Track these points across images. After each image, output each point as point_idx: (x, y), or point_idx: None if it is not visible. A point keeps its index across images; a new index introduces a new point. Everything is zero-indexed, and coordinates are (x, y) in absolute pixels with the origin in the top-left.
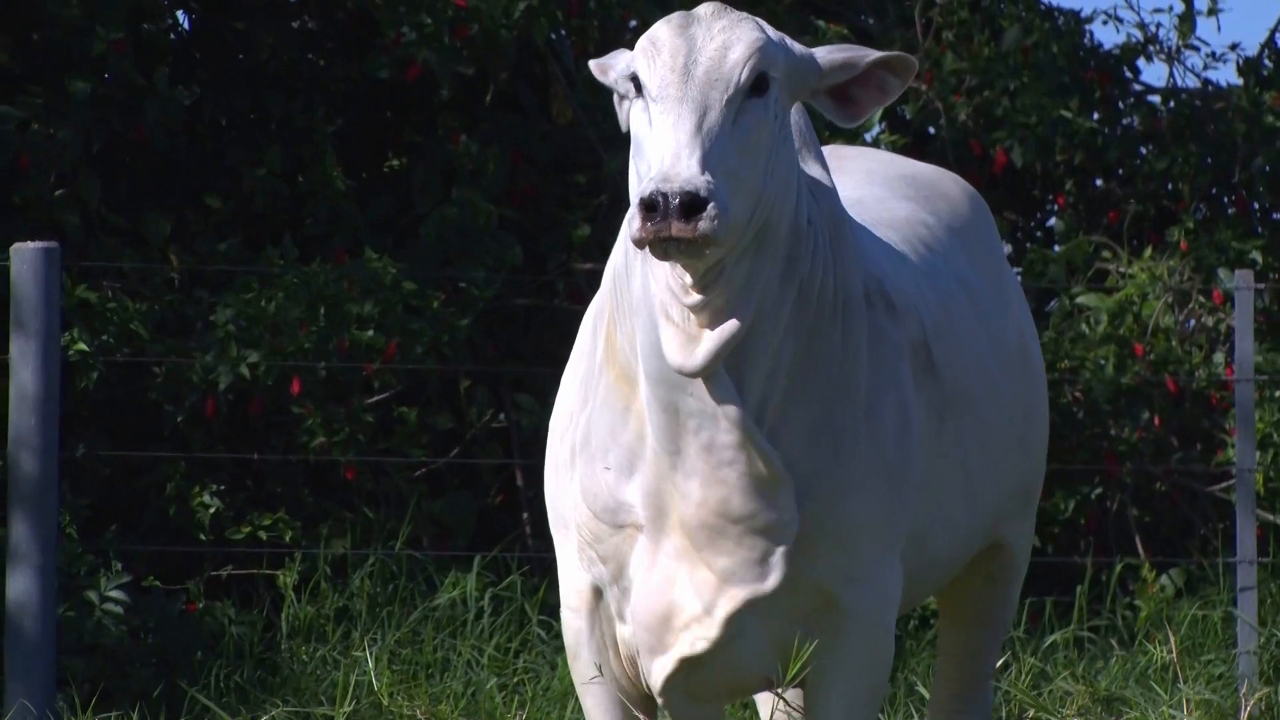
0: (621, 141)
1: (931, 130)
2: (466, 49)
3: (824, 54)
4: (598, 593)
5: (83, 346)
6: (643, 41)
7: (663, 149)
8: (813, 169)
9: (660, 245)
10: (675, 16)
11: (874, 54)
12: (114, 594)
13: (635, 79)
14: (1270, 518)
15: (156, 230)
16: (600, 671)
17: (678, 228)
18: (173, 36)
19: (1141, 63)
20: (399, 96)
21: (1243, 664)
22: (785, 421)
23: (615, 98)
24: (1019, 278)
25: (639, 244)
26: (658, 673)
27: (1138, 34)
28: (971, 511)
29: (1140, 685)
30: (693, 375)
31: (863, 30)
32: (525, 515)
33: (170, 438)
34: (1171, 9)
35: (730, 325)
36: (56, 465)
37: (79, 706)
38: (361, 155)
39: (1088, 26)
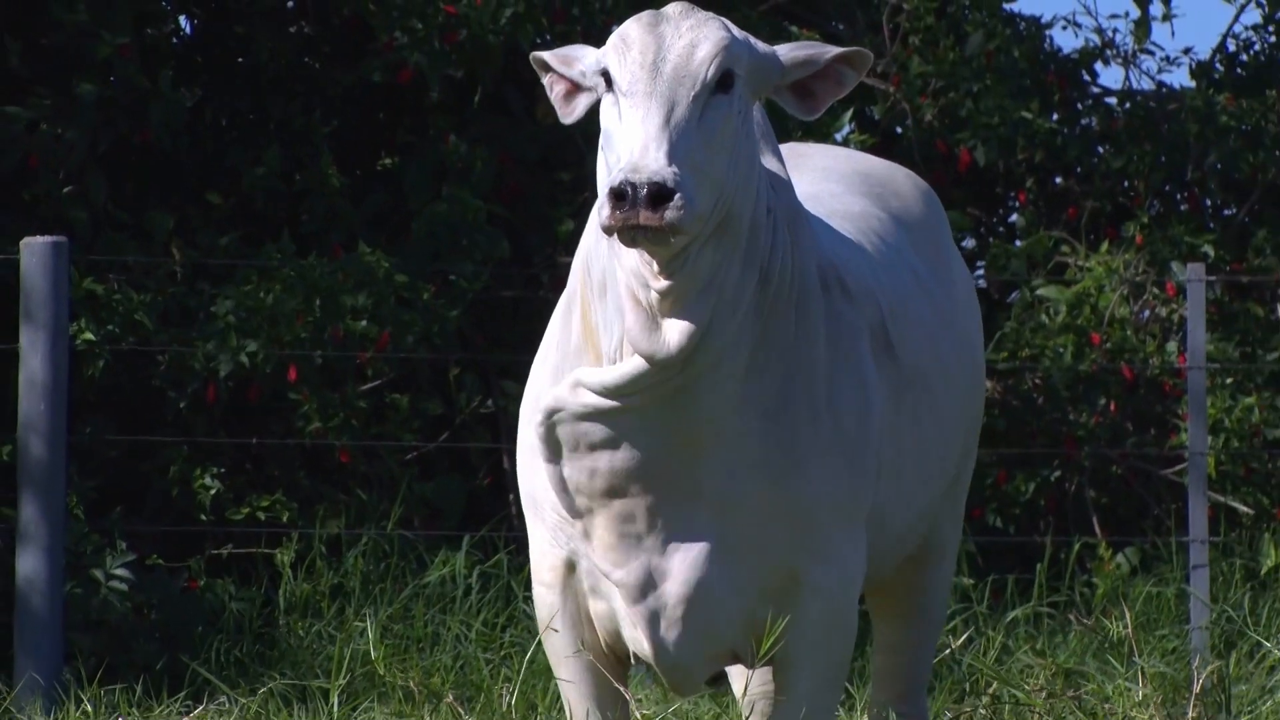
0: None
1: (899, 130)
2: (456, 53)
3: (785, 51)
4: (570, 567)
5: (90, 336)
6: (613, 38)
7: (632, 141)
8: (770, 162)
9: (628, 233)
10: (645, 15)
11: (833, 50)
12: (119, 572)
13: (606, 74)
14: (1221, 499)
15: (160, 226)
16: (583, 645)
17: (645, 216)
18: (176, 41)
19: (1099, 66)
20: (392, 99)
21: (1195, 638)
22: (744, 400)
23: (555, 91)
24: (982, 269)
25: (608, 231)
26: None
27: (1095, 39)
28: (928, 488)
29: (1098, 659)
30: (662, 363)
31: (833, 35)
32: (512, 497)
33: (173, 423)
34: (1127, 15)
35: (698, 316)
36: (64, 449)
37: (85, 679)
38: (356, 155)
39: (1048, 32)
